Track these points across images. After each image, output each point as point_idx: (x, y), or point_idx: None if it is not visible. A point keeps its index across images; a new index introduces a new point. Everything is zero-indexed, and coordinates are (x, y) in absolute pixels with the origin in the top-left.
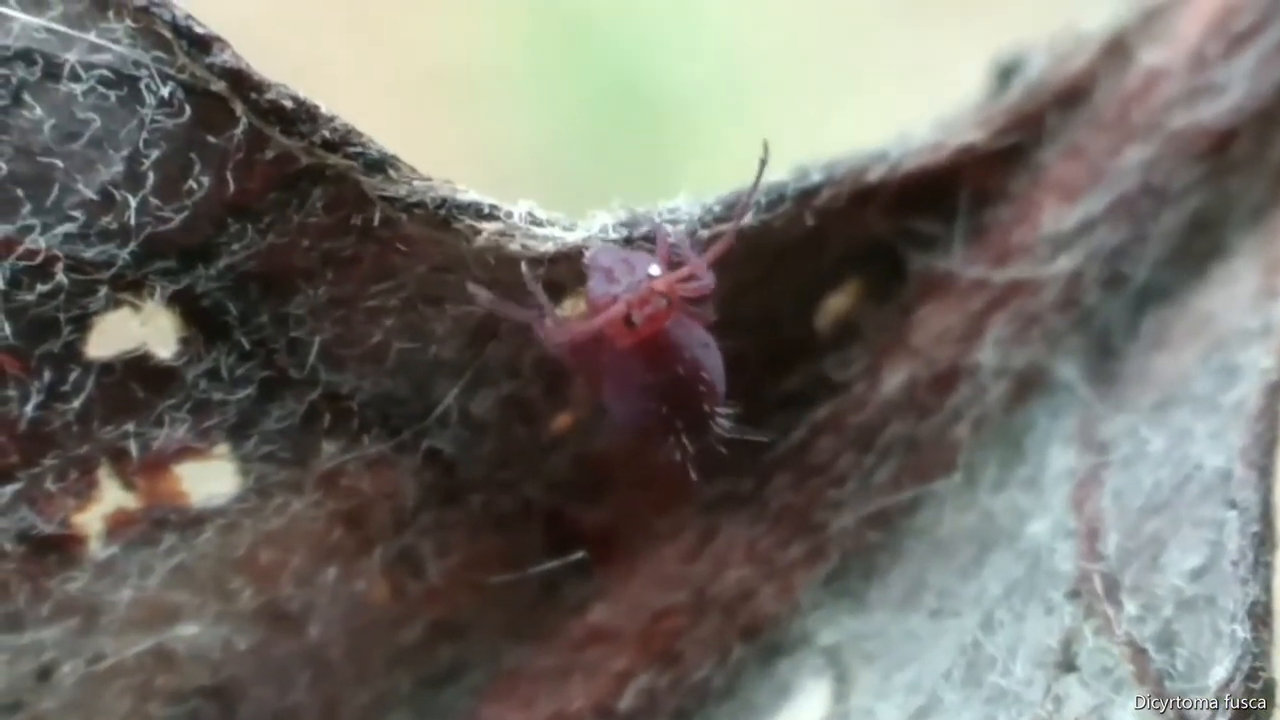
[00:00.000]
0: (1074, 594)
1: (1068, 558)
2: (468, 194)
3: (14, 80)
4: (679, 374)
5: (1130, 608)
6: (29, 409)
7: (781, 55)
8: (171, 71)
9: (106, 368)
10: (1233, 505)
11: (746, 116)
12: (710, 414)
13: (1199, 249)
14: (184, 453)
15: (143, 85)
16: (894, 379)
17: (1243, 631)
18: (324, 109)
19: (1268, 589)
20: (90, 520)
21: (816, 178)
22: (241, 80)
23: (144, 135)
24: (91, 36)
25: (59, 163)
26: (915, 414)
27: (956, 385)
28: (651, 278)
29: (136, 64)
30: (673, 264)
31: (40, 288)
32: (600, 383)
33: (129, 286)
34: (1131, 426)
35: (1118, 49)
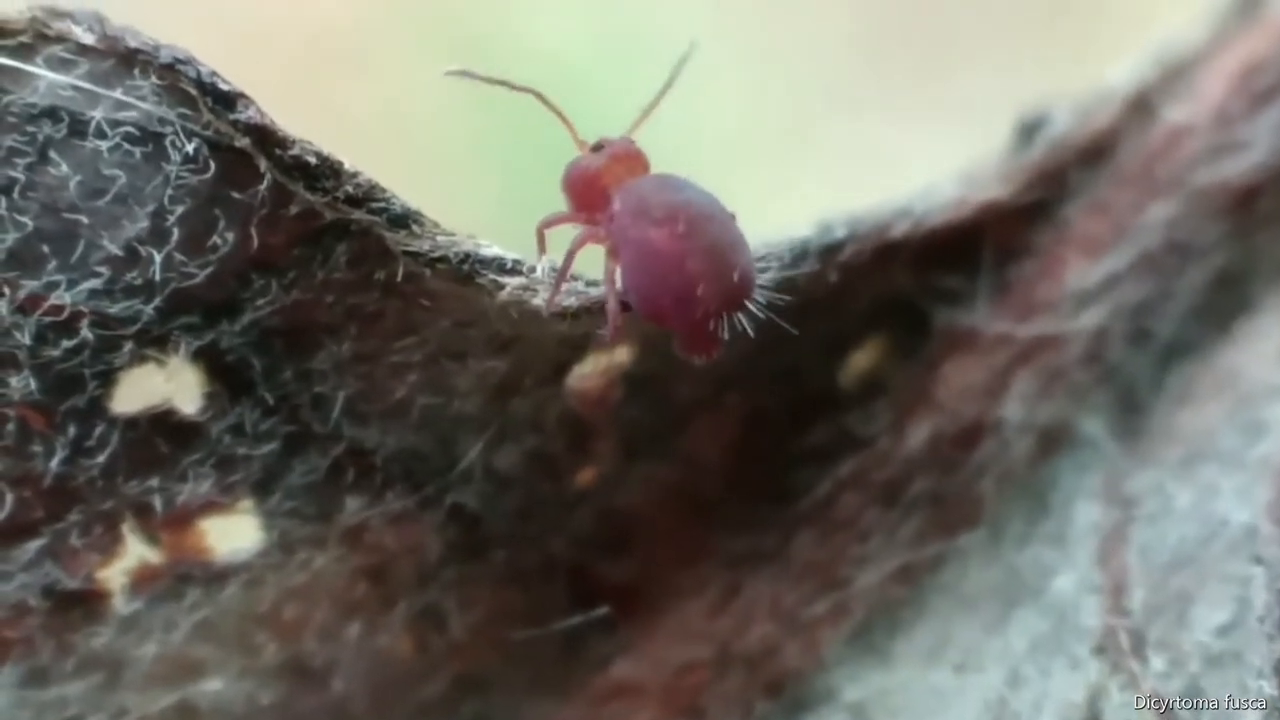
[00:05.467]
0: (1100, 650)
1: (1093, 613)
2: (491, 248)
3: (40, 138)
4: (690, 201)
5: (1156, 664)
6: (54, 464)
7: (724, 133)
8: (196, 128)
9: (131, 423)
10: (1259, 561)
11: None
12: (745, 268)
13: (1224, 305)
14: (208, 508)
15: (168, 142)
16: (918, 434)
17: (1270, 687)
18: (348, 165)
19: None
20: (114, 575)
21: (840, 233)
22: (266, 136)
23: (169, 191)
24: (118, 94)
25: (84, 219)
26: (940, 469)
27: (981, 441)
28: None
29: (162, 121)
30: None
31: (66, 343)
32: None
33: (154, 342)
34: (1157, 482)
35: (1141, 106)
